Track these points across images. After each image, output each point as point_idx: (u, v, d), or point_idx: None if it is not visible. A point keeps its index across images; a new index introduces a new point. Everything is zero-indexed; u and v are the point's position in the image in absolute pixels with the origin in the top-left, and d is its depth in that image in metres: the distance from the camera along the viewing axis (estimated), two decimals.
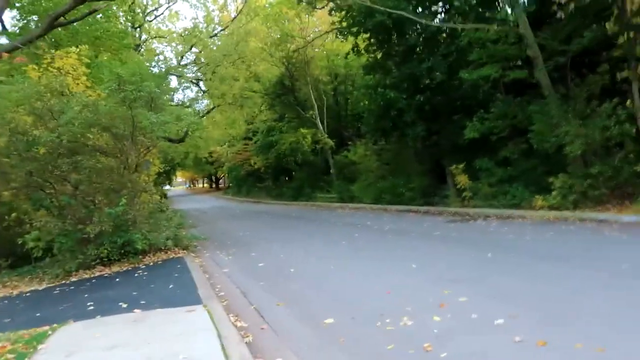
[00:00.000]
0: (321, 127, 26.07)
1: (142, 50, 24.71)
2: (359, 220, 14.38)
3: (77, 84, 11.00)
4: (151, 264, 8.88)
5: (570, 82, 13.25)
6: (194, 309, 5.08)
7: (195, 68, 25.76)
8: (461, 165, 14.70)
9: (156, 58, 25.03)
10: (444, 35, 16.87)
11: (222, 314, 4.84)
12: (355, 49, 19.48)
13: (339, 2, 18.45)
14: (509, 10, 15.14)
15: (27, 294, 7.42)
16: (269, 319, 4.87)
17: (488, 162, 14.31)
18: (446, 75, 15.67)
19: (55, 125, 8.68)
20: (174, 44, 26.28)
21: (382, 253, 8.25)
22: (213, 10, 27.14)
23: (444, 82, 15.92)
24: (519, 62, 14.40)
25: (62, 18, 11.59)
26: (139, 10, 23.64)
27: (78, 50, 11.41)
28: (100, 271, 8.53)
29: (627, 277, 5.17)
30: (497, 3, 15.16)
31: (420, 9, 16.85)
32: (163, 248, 9.83)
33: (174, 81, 25.45)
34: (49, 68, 10.94)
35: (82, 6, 11.85)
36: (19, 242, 9.02)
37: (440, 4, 17.06)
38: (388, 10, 14.60)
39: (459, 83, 15.66)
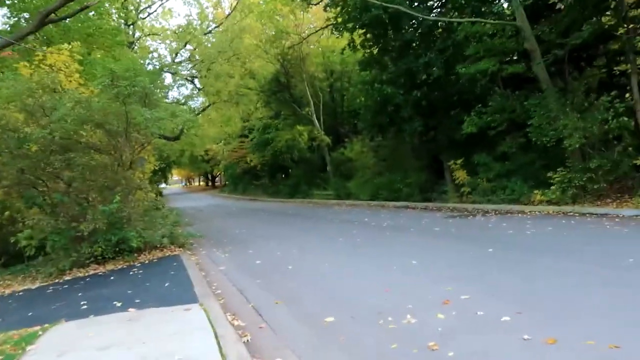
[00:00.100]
0: (317, 124, 25.97)
1: (136, 47, 24.48)
2: (356, 217, 14.27)
3: (70, 81, 10.83)
4: (146, 262, 8.73)
5: (568, 75, 13.18)
6: (190, 307, 4.95)
7: (189, 65, 25.54)
8: (459, 161, 14.63)
9: (150, 55, 24.81)
10: (440, 30, 16.78)
11: (218, 312, 4.71)
12: (352, 44, 19.34)
13: None
14: (505, 4, 15.10)
15: (20, 293, 7.27)
16: (267, 317, 4.72)
17: (486, 157, 14.24)
18: (443, 70, 15.58)
19: (47, 122, 8.51)
20: (167, 42, 26.05)
21: (380, 250, 8.13)
22: (207, 7, 26.96)
23: (440, 77, 15.84)
24: (516, 56, 14.37)
25: (53, 15, 11.38)
26: (131, 8, 23.39)
27: (70, 47, 11.25)
28: (95, 269, 8.37)
29: (632, 271, 5.08)
30: None
31: (416, 3, 16.75)
32: (158, 246, 9.69)
33: (168, 78, 25.26)
34: (41, 65, 10.78)
35: (73, 3, 11.64)
36: (12, 241, 8.87)
37: None
38: (384, 4, 14.46)
39: (456, 78, 15.59)
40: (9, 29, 14.45)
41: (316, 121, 26.02)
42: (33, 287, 7.68)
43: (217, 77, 23.80)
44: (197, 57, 24.65)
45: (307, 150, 28.90)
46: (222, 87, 24.02)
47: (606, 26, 11.76)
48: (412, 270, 6.22)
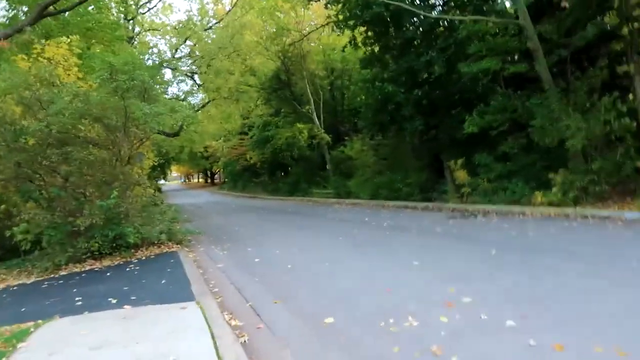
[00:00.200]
0: (317, 122, 25.85)
1: (136, 43, 24.32)
2: (356, 216, 14.17)
3: (68, 74, 10.71)
4: (143, 258, 8.64)
5: (571, 75, 13.07)
6: (187, 305, 4.85)
7: (189, 61, 25.39)
8: (460, 161, 14.52)
9: (150, 51, 24.64)
10: (442, 28, 16.67)
11: (216, 311, 4.60)
12: (353, 42, 19.21)
13: None
14: (508, 3, 14.99)
15: (15, 288, 7.19)
16: (266, 317, 4.61)
17: (487, 157, 14.13)
18: (444, 68, 15.47)
19: (44, 116, 8.39)
20: (167, 37, 25.88)
21: (381, 249, 8.02)
22: (207, 3, 26.78)
23: (442, 76, 15.73)
24: (518, 56, 14.25)
25: (51, 8, 11.28)
26: (131, 2, 23.23)
27: (69, 40, 11.12)
28: (91, 265, 8.29)
29: (639, 274, 4.97)
30: None
31: (417, 1, 16.63)
32: (156, 242, 9.60)
33: (168, 74, 25.11)
34: (39, 58, 10.65)
35: None
36: (8, 235, 8.76)
37: None
38: (386, 1, 14.35)
39: (458, 77, 15.45)
40: (7, 22, 14.34)
41: (316, 119, 25.91)
42: (28, 281, 7.60)
43: (217, 73, 23.66)
44: (197, 53, 24.51)
45: (307, 149, 28.76)
46: (222, 83, 23.87)
47: (609, 27, 11.66)
48: (413, 271, 6.11)
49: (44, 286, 6.95)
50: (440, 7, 17.18)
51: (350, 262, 7.16)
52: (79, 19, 14.42)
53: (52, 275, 7.74)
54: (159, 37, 26.56)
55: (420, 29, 16.63)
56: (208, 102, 27.07)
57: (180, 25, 24.60)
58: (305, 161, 29.39)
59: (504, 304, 4.36)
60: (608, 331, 3.50)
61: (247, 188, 38.01)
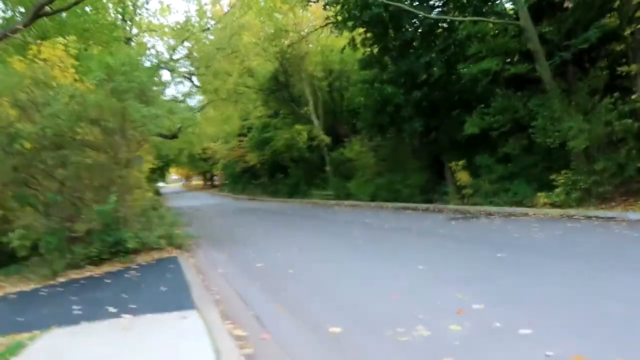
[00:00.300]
0: (316, 124, 25.76)
1: (133, 44, 24.14)
2: (357, 217, 14.05)
3: (65, 76, 10.56)
4: (143, 263, 8.48)
5: (572, 76, 12.99)
6: (187, 315, 4.70)
7: (187, 62, 25.24)
8: (461, 162, 14.43)
9: (148, 52, 24.48)
10: (441, 29, 16.59)
11: (217, 320, 4.44)
12: (352, 43, 19.12)
13: None
14: (508, 4, 14.90)
15: (13, 296, 7.01)
16: (270, 326, 4.45)
17: (488, 158, 14.05)
18: (444, 69, 15.38)
19: (39, 118, 8.24)
20: (165, 38, 25.70)
21: (385, 253, 7.89)
22: (205, 4, 26.61)
23: (442, 77, 15.64)
24: (519, 57, 14.15)
25: (47, 8, 11.12)
26: (129, 3, 23.05)
27: (66, 41, 10.97)
28: (90, 271, 8.11)
29: None
30: None
31: (417, 2, 16.53)
32: (156, 247, 9.43)
33: (166, 75, 24.94)
34: (35, 60, 10.50)
35: None
36: (4, 241, 8.59)
37: None
38: (385, 1, 14.24)
39: (458, 78, 15.37)
40: (4, 23, 14.20)
41: (315, 120, 25.81)
42: (26, 289, 7.41)
43: (216, 74, 23.53)
44: (195, 54, 24.36)
45: (306, 150, 28.63)
46: (220, 85, 23.74)
47: (608, 27, 11.59)
48: (419, 276, 5.97)
49: (42, 294, 6.80)
50: (439, 8, 17.09)
51: (353, 266, 7.03)
52: (76, 19, 14.28)
53: (50, 283, 7.56)
54: (157, 38, 26.35)
55: (420, 29, 16.53)
56: (207, 104, 26.94)
57: (178, 26, 24.43)
58: (304, 163, 29.27)
59: (515, 310, 4.23)
60: (626, 339, 3.38)
61: (247, 190, 37.87)
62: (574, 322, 3.80)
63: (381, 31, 17.50)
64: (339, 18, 18.63)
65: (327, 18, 22.22)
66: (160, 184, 51.64)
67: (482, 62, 13.26)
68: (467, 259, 6.76)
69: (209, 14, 25.86)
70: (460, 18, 14.61)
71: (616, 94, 11.09)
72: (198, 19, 25.26)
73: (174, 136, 22.46)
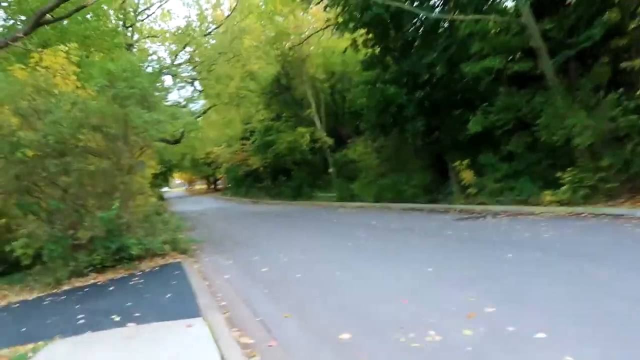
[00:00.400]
0: (319, 126, 25.73)
1: (135, 50, 24.17)
2: (362, 219, 13.94)
3: (67, 83, 10.53)
4: (147, 270, 8.42)
5: (575, 72, 12.87)
6: (193, 322, 4.62)
7: (189, 67, 25.25)
8: (465, 161, 14.32)
9: (149, 58, 24.49)
10: (443, 28, 16.49)
11: (223, 328, 4.37)
12: (354, 44, 19.07)
13: None
14: (509, 2, 14.80)
15: (16, 305, 6.98)
16: (277, 333, 4.36)
17: (492, 157, 13.93)
18: (446, 68, 15.27)
19: (41, 126, 8.20)
20: (167, 44, 25.75)
21: (392, 255, 7.79)
22: (206, 9, 26.66)
23: (444, 76, 15.53)
24: (521, 54, 14.03)
25: (48, 16, 11.10)
26: (130, 10, 23.08)
27: (67, 49, 10.95)
28: (94, 279, 8.06)
29: None
30: None
31: (417, 2, 16.44)
32: (160, 253, 9.36)
33: (168, 80, 24.97)
34: (37, 67, 10.47)
35: (68, 3, 11.36)
36: (7, 250, 8.54)
37: None
38: (386, 2, 14.16)
39: (460, 77, 15.25)
40: (6, 31, 14.21)
41: (318, 123, 25.77)
42: (30, 298, 7.38)
43: (218, 79, 23.54)
44: (197, 59, 24.37)
45: (309, 152, 28.56)
46: (222, 89, 23.73)
47: (610, 23, 11.47)
48: (428, 278, 5.86)
49: (45, 303, 6.75)
50: (440, 7, 17.00)
51: (361, 269, 6.92)
52: (77, 27, 14.26)
53: (54, 291, 7.53)
54: (159, 43, 26.42)
55: (421, 29, 16.44)
56: (209, 108, 26.94)
57: (180, 31, 24.46)
58: (307, 165, 29.21)
59: (530, 313, 4.11)
60: None
61: (250, 193, 37.82)
62: (596, 327, 3.66)
63: (382, 32, 17.43)
64: (340, 20, 18.57)
65: (328, 20, 22.19)
66: (164, 189, 51.63)
67: (484, 60, 13.16)
68: (476, 260, 6.65)
69: (209, 19, 25.96)
70: (461, 17, 14.51)
71: (620, 90, 10.96)
72: (199, 24, 25.36)
73: (176, 141, 22.46)
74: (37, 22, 10.53)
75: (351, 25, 17.89)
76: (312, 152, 28.50)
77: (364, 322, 4.40)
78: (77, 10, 11.80)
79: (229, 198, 43.38)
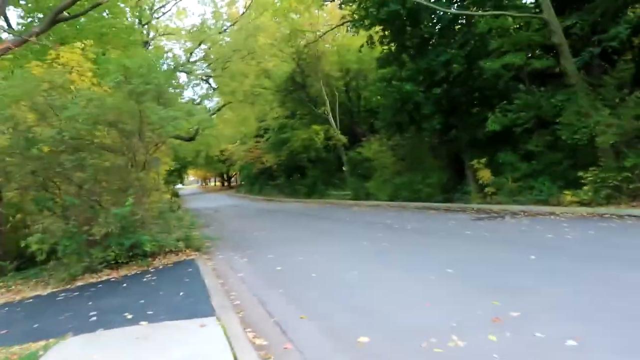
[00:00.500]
0: (333, 124, 25.61)
1: (151, 47, 24.27)
2: (378, 218, 13.76)
3: (83, 80, 10.54)
4: (161, 267, 8.36)
5: (597, 69, 12.52)
6: (206, 322, 4.51)
7: (204, 65, 25.27)
8: (483, 160, 14.07)
9: (165, 55, 24.57)
10: (460, 25, 16.23)
11: (237, 329, 4.26)
12: (370, 41, 18.89)
13: None
14: None
15: (30, 300, 6.96)
16: (293, 335, 4.22)
17: (511, 155, 13.65)
18: (464, 65, 15.01)
19: (57, 122, 8.19)
20: (182, 41, 25.82)
21: (410, 256, 7.60)
22: (221, 7, 26.69)
23: (461, 73, 15.26)
24: (540, 51, 13.71)
25: (65, 13, 11.13)
26: (146, 7, 23.17)
27: (83, 46, 10.96)
28: (108, 275, 8.03)
29: None
30: None
31: None
32: (173, 250, 9.31)
33: (183, 78, 25.03)
34: (54, 64, 10.50)
35: (85, 1, 11.39)
36: (23, 245, 8.56)
37: None
38: None
39: (478, 74, 14.98)
40: (23, 29, 14.32)
41: (332, 120, 25.65)
42: (44, 293, 7.36)
43: (232, 76, 23.51)
44: (212, 56, 24.38)
45: (323, 150, 28.47)
46: (237, 86, 23.71)
47: (636, 19, 11.13)
48: (450, 280, 5.66)
49: (59, 298, 6.72)
50: (458, 3, 16.73)
51: (379, 270, 6.75)
52: (93, 24, 14.33)
53: (67, 287, 7.51)
54: (174, 41, 26.51)
55: (439, 25, 16.19)
56: (224, 106, 26.95)
57: (195, 29, 24.50)
58: (321, 163, 29.10)
59: (558, 319, 3.92)
60: None
61: (264, 191, 37.84)
62: (628, 335, 3.47)
63: (398, 29, 17.21)
64: (356, 16, 18.41)
65: (343, 17, 22.04)
66: (178, 186, 51.95)
67: (504, 56, 12.88)
68: (497, 261, 6.45)
69: (224, 16, 25.95)
70: (480, 13, 14.25)
71: None
72: (214, 21, 25.38)
73: (191, 138, 22.48)
74: (54, 20, 10.55)
75: (367, 22, 17.72)
76: (327, 150, 28.41)
77: (383, 326, 4.24)
78: (93, 7, 11.82)
79: (242, 195, 43.47)
